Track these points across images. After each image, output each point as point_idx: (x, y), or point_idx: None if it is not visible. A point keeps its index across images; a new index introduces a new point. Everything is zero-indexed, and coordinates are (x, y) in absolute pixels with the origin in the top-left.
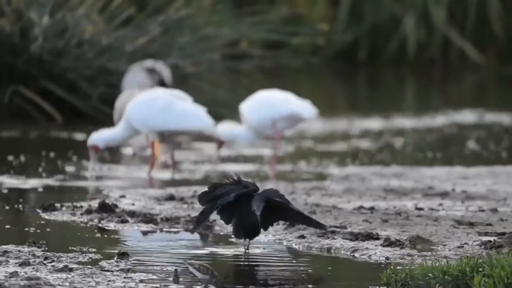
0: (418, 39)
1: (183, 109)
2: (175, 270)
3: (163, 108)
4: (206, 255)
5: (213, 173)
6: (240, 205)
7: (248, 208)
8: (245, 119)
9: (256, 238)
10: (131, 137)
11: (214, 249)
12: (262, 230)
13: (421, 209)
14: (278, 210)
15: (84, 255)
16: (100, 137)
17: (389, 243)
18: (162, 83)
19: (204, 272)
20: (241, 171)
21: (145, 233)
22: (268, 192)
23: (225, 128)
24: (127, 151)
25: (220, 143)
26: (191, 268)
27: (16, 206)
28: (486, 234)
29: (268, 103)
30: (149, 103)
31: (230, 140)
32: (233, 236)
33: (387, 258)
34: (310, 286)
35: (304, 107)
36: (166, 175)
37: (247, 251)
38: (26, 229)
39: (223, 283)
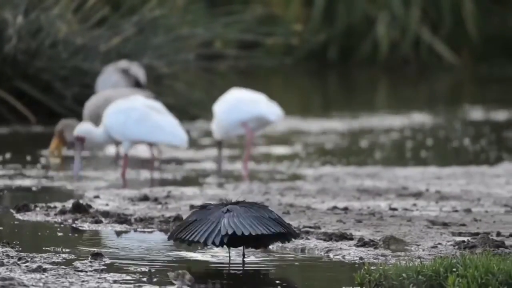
0: (392, 39)
1: (158, 123)
2: (149, 270)
3: (139, 120)
4: (179, 256)
5: (188, 173)
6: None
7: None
8: (216, 119)
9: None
10: (108, 143)
11: (187, 251)
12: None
13: (395, 209)
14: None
15: (58, 255)
16: (86, 129)
17: (363, 243)
18: (137, 85)
19: (174, 278)
20: (216, 170)
21: (119, 233)
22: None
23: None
24: (110, 152)
25: None
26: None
27: None
28: (460, 234)
29: (236, 106)
30: (126, 113)
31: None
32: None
33: (361, 258)
34: (284, 285)
35: (270, 109)
36: (141, 175)
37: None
38: (0, 229)
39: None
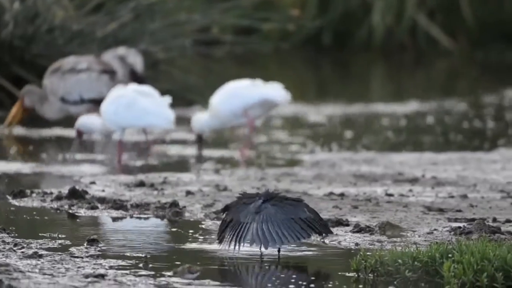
0: (387, 25)
1: (144, 107)
2: (145, 256)
3: (127, 106)
4: (175, 242)
5: (184, 159)
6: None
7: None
8: (214, 110)
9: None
10: (108, 132)
11: (183, 237)
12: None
13: (391, 195)
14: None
15: (54, 241)
16: (83, 123)
17: (359, 229)
18: (133, 73)
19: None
20: (213, 157)
21: (115, 219)
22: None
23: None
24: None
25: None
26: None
27: None
28: (455, 220)
29: (239, 92)
30: (115, 101)
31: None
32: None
33: (356, 244)
34: (282, 270)
35: (276, 91)
36: (137, 161)
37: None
38: None
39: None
